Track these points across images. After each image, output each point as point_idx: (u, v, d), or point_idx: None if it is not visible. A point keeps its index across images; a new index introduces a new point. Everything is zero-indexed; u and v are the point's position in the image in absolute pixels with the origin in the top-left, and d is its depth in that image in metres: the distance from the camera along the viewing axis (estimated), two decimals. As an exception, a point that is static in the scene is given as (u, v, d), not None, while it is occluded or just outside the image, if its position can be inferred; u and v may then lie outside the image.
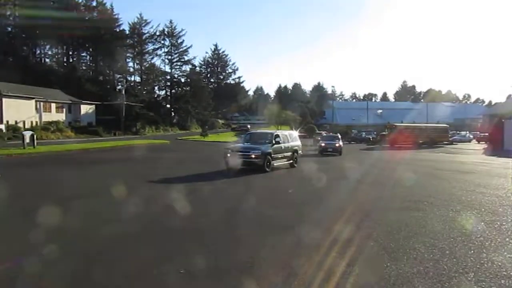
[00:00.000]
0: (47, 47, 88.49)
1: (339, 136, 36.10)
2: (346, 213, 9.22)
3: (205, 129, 69.33)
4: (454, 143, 58.38)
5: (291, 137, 21.76)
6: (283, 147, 20.05)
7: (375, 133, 62.59)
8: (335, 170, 21.54)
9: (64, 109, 63.64)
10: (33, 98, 54.22)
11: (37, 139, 33.93)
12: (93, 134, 57.38)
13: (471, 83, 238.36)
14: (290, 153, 20.78)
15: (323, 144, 33.16)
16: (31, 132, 32.23)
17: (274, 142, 19.31)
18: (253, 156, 18.11)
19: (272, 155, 18.82)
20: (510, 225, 8.22)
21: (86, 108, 68.54)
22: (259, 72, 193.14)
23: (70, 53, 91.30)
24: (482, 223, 8.38)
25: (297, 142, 22.23)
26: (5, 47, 73.21)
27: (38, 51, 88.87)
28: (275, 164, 19.18)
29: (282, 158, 19.96)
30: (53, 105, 60.52)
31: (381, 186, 13.87)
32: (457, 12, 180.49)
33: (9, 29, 77.44)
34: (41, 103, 56.46)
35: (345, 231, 7.54)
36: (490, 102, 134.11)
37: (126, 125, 69.54)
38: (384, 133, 53.30)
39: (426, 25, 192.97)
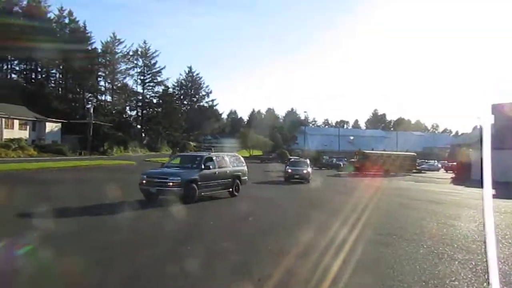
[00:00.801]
0: (15, 62, 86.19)
1: (308, 162, 33.18)
2: (303, 251, 8.34)
3: (174, 151, 68.02)
4: (422, 171, 59.08)
5: (233, 161, 19.12)
6: (217, 172, 17.11)
7: (345, 159, 62.56)
8: (299, 199, 20.67)
9: (28, 127, 61.34)
10: (-6, 114, 52.08)
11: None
12: (58, 153, 55.15)
13: (440, 114, 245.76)
14: (229, 179, 17.98)
15: (289, 171, 30.40)
16: (-16, 150, 30.47)
17: (203, 166, 16.38)
18: (170, 184, 14.99)
19: (199, 182, 15.83)
20: (486, 265, 7.53)
21: (51, 126, 66.29)
22: (233, 95, 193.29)
23: (39, 69, 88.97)
24: (456, 262, 7.68)
25: (240, 167, 19.47)
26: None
27: (5, 66, 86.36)
28: (202, 194, 16.20)
29: (215, 186, 17.10)
30: (16, 122, 58.28)
31: (347, 216, 13.04)
32: (425, 44, 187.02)
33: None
34: (3, 120, 54.29)
35: (303, 273, 6.66)
36: (457, 132, 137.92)
37: (94, 145, 67.46)
38: (353, 160, 53.25)
39: (397, 55, 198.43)
